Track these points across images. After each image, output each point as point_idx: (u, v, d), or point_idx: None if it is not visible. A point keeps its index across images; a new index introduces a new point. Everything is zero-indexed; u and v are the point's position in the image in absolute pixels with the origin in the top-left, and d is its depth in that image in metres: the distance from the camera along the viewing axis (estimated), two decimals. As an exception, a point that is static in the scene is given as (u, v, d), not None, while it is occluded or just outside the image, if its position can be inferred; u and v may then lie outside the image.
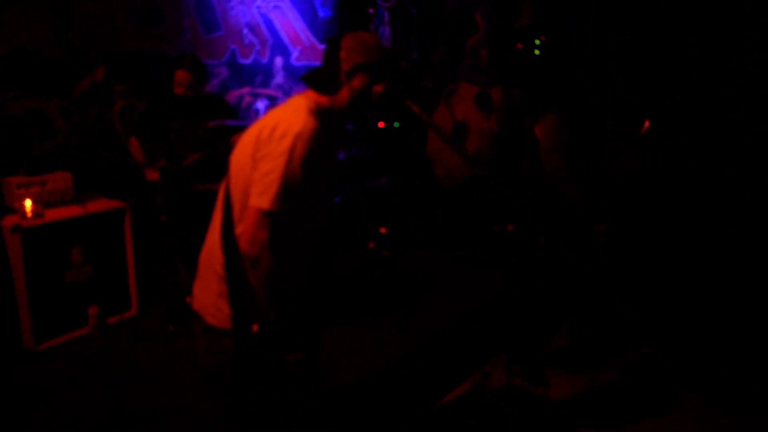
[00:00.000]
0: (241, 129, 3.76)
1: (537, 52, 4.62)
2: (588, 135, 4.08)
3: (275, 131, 1.89)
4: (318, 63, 2.10)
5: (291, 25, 5.79)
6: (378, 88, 2.05)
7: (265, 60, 5.59)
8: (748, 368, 3.41)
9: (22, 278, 3.34)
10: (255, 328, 1.89)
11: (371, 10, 6.14)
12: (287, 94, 5.27)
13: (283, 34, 5.72)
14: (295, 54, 5.79)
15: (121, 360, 3.40)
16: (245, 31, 5.46)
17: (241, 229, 1.89)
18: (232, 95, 5.44)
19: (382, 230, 4.40)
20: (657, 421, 3.11)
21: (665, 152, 4.03)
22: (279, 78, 5.58)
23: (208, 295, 2.03)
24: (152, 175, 3.72)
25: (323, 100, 2.02)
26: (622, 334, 3.78)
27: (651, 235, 4.00)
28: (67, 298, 3.55)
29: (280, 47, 5.70)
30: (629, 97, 4.20)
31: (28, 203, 3.43)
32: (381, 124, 5.30)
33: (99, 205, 3.75)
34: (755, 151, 3.83)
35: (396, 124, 5.30)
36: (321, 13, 6.00)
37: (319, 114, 1.98)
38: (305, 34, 5.87)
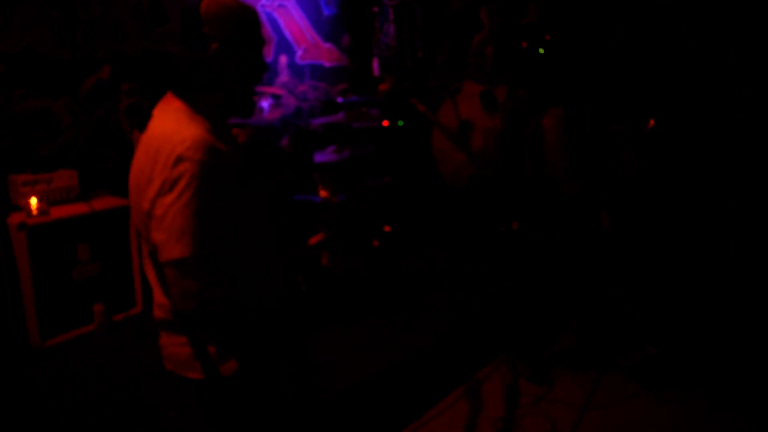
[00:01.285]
0: (242, 126, 3.77)
1: (542, 50, 4.61)
2: (588, 134, 4.08)
3: (161, 156, 1.52)
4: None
5: (295, 23, 5.80)
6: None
7: (269, 58, 5.60)
8: (754, 368, 3.40)
9: (28, 276, 3.36)
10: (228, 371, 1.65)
11: (375, 9, 6.15)
12: (291, 92, 5.28)
13: (287, 33, 5.73)
14: (299, 52, 5.80)
15: (126, 357, 3.42)
16: (250, 29, 5.47)
17: (161, 288, 1.63)
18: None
19: (387, 228, 4.40)
20: (662, 421, 3.11)
21: (665, 151, 4.02)
22: (283, 76, 5.59)
23: (181, 347, 1.70)
24: None
25: (195, 96, 1.63)
26: (627, 334, 3.78)
27: (652, 235, 3.99)
28: (73, 296, 3.57)
29: (284, 45, 5.71)
30: (629, 97, 4.19)
31: (33, 201, 3.45)
32: (385, 123, 5.30)
33: (105, 202, 3.76)
34: (756, 151, 3.83)
35: (400, 123, 5.30)
36: (325, 12, 6.01)
37: (203, 116, 1.63)
38: (310, 33, 5.88)
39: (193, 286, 1.51)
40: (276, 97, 5.07)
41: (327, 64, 6.00)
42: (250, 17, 1.62)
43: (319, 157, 4.07)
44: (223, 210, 1.55)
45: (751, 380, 3.33)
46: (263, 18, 5.53)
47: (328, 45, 6.03)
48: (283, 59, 5.63)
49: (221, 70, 1.60)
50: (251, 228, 1.68)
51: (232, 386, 1.66)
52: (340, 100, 5.70)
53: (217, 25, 1.56)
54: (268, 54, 5.59)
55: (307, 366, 1.91)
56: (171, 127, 1.57)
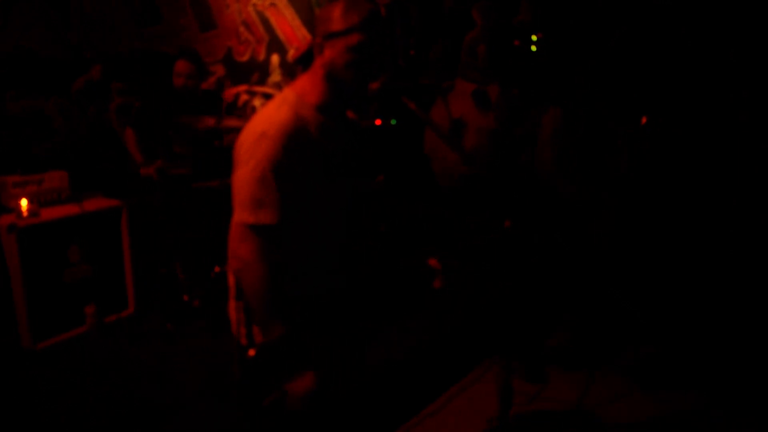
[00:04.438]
0: (237, 127, 3.76)
1: (534, 48, 4.62)
2: (585, 133, 4.08)
3: (247, 133, 1.70)
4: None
5: (287, 22, 5.78)
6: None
7: (261, 58, 5.58)
8: (751, 368, 3.41)
9: (19, 278, 3.33)
10: (251, 352, 1.72)
11: (368, 8, 6.13)
12: (284, 91, 5.27)
13: (279, 32, 5.71)
14: (291, 52, 5.78)
15: (118, 359, 3.40)
16: (241, 29, 5.45)
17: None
18: (229, 93, 5.43)
19: (381, 228, 4.39)
20: (658, 420, 3.12)
21: (665, 151, 4.03)
22: (276, 76, 5.58)
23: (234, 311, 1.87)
24: (147, 171, 3.71)
25: (304, 85, 1.77)
26: (624, 332, 3.79)
27: (650, 233, 4.00)
28: (65, 298, 3.54)
29: (276, 45, 5.69)
30: (629, 97, 4.20)
31: (24, 202, 3.42)
32: (378, 122, 5.29)
33: (95, 203, 3.74)
34: (756, 151, 3.84)
35: (393, 122, 5.29)
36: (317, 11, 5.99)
37: (303, 104, 1.74)
38: (301, 32, 5.86)
39: (242, 250, 1.65)
40: (267, 97, 5.05)
41: (319, 64, 5.97)
42: (350, 20, 1.70)
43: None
44: (287, 192, 1.66)
45: (748, 380, 3.33)
46: (255, 18, 5.52)
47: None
48: (275, 59, 5.62)
49: (316, 61, 1.74)
50: (320, 218, 1.78)
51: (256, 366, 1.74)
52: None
53: (317, 24, 1.76)
54: (260, 53, 5.57)
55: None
56: (267, 109, 1.74)
